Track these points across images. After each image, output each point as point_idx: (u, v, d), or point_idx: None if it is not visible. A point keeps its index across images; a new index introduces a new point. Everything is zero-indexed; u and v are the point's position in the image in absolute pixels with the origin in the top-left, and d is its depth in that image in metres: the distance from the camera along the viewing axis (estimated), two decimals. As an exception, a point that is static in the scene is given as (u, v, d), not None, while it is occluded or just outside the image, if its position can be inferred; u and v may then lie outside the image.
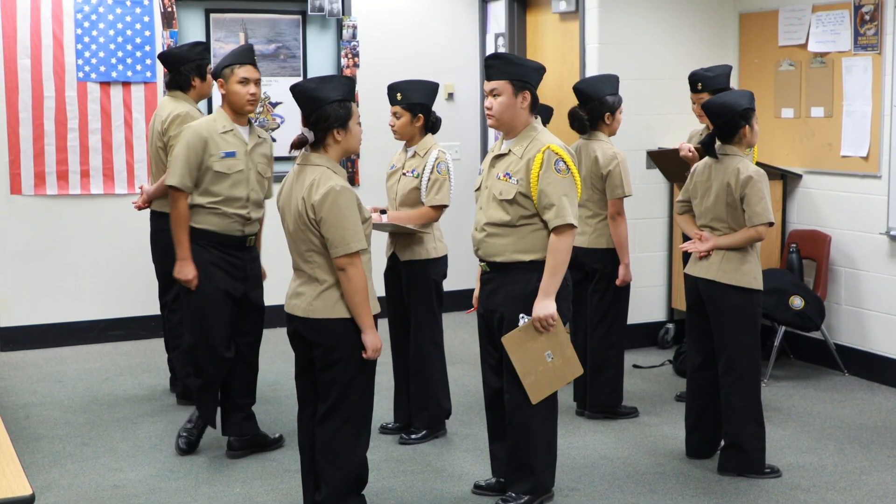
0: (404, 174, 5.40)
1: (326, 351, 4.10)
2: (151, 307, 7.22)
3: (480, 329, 4.63)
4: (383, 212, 5.36)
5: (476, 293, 4.67)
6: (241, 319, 5.23)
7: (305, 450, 4.30)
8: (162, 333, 6.47)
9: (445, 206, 5.35)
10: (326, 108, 4.06)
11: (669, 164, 6.63)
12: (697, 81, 6.02)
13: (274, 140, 7.84)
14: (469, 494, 4.80)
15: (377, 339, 4.10)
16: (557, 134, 4.85)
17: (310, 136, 4.10)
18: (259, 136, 5.26)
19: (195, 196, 5.12)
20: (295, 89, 4.13)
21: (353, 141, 4.15)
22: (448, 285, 5.67)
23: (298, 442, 4.35)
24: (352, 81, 4.22)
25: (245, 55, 5.24)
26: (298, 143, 4.15)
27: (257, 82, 5.19)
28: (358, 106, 4.27)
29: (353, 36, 8.05)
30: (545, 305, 4.31)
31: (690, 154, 6.03)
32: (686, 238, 5.23)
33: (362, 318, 4.06)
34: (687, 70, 6.39)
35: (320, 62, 8.09)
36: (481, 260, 4.51)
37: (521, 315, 4.36)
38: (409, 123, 5.38)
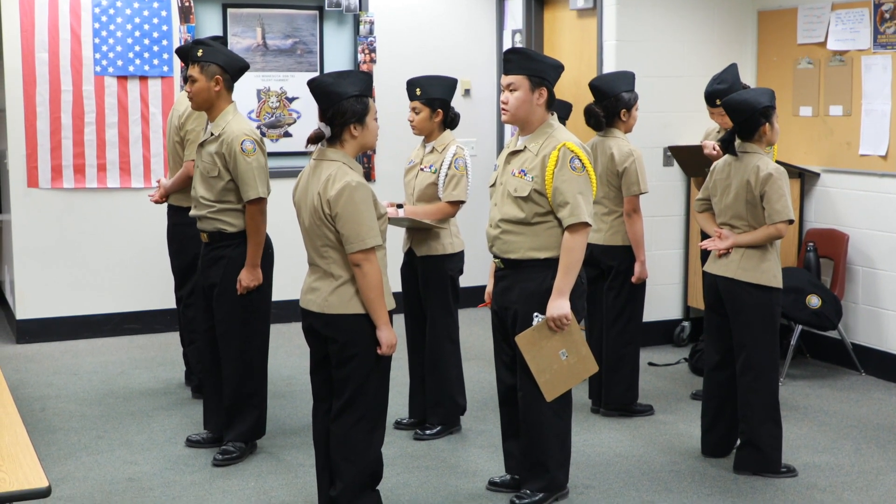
0: (422, 169, 5.39)
1: (342, 347, 4.10)
2: (167, 301, 7.25)
3: (494, 326, 4.61)
4: (400, 206, 5.36)
5: (489, 289, 4.65)
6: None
7: (320, 445, 4.30)
8: (177, 327, 6.48)
9: (462, 202, 5.34)
10: (343, 103, 4.04)
11: (689, 159, 6.60)
12: (715, 97, 5.79)
13: (290, 135, 7.93)
14: (483, 491, 4.79)
15: (392, 335, 4.09)
16: (574, 131, 4.83)
17: (326, 131, 4.09)
18: (213, 134, 5.06)
19: None
20: (312, 84, 4.12)
21: (369, 136, 4.14)
22: (464, 281, 5.66)
23: (313, 437, 4.34)
24: (369, 77, 4.22)
25: (188, 52, 5.21)
26: (315, 138, 4.13)
27: (190, 80, 5.09)
28: (374, 101, 4.26)
29: (370, 31, 8.05)
30: (559, 305, 4.29)
31: (716, 152, 5.96)
32: (705, 236, 5.20)
33: (377, 313, 4.05)
34: (705, 68, 6.36)
35: (337, 58, 8.09)
36: (496, 256, 4.50)
37: (535, 314, 4.34)
38: (427, 119, 5.37)
